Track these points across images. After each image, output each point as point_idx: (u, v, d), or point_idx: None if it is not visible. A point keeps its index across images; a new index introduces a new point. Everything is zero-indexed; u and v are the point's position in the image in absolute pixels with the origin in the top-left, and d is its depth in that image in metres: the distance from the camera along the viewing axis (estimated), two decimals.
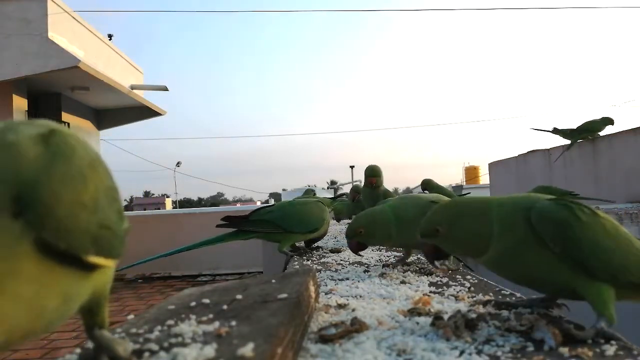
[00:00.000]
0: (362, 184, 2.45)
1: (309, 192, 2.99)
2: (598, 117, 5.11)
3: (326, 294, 1.03)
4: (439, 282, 1.13)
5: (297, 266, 1.50)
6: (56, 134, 0.48)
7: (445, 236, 0.79)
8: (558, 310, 0.79)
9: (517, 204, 0.76)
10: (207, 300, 0.76)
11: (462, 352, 0.62)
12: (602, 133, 5.10)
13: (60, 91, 7.84)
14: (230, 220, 1.77)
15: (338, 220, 3.05)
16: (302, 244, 2.00)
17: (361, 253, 1.74)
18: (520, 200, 0.77)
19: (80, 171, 0.46)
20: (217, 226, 1.78)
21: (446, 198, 1.42)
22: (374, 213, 1.31)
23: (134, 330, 0.64)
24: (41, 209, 0.42)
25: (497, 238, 0.74)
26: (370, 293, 1.02)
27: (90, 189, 0.47)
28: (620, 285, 0.70)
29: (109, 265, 0.51)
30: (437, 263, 0.84)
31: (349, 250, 1.85)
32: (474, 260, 0.80)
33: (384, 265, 1.37)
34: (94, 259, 0.47)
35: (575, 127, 5.18)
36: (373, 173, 2.28)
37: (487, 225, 0.75)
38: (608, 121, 5.01)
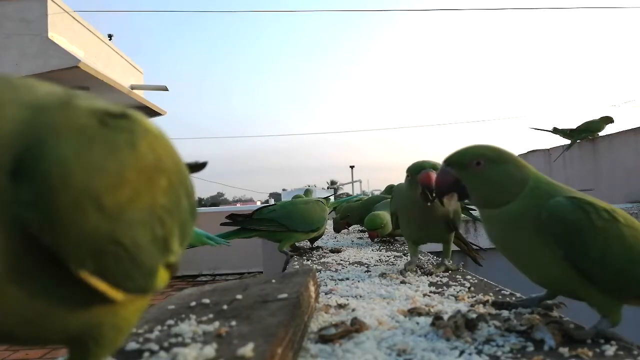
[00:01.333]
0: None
1: (309, 192, 2.97)
2: (597, 117, 5.12)
3: (326, 294, 1.03)
4: (439, 282, 1.13)
5: (297, 266, 1.50)
6: (129, 118, 0.41)
7: (480, 172, 0.74)
8: (558, 310, 0.79)
9: (544, 187, 0.72)
10: (207, 300, 0.76)
11: (462, 352, 0.62)
12: (602, 132, 5.11)
13: None
14: (234, 218, 1.79)
15: (346, 226, 2.57)
16: (302, 244, 2.00)
17: (361, 253, 1.75)
18: (546, 186, 0.73)
19: (120, 167, 0.37)
20: (222, 224, 1.80)
21: None
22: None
23: (133, 330, 0.64)
24: (38, 180, 0.33)
25: (522, 196, 0.71)
26: (370, 293, 1.02)
27: (122, 194, 0.37)
28: (630, 295, 0.67)
29: (113, 295, 0.39)
30: (445, 199, 0.77)
31: (349, 250, 1.86)
32: (485, 213, 0.75)
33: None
34: (89, 278, 0.37)
35: (575, 127, 5.19)
36: (372, 225, 1.91)
37: (522, 181, 0.72)
38: (608, 120, 5.01)
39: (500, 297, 0.95)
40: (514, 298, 0.94)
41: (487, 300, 0.86)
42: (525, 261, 0.72)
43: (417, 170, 1.17)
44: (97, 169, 0.36)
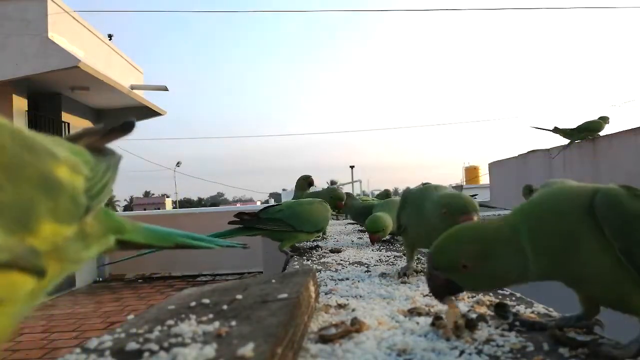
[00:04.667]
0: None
1: (304, 178, 2.92)
2: (596, 117, 5.14)
3: (326, 294, 1.03)
4: None
5: (297, 266, 1.50)
6: None
7: (471, 272, 0.65)
8: (597, 329, 0.72)
9: (567, 197, 0.65)
10: (207, 300, 0.76)
11: (462, 352, 0.62)
12: (602, 132, 5.12)
13: (60, 91, 7.83)
14: (241, 217, 1.80)
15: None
16: (302, 244, 2.00)
17: (361, 253, 1.75)
18: (572, 190, 0.66)
19: None
20: (230, 223, 1.81)
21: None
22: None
23: (134, 330, 0.64)
24: None
25: (532, 261, 0.64)
26: (370, 293, 1.02)
27: None
28: None
29: None
30: (447, 299, 0.70)
31: (349, 250, 1.86)
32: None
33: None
34: None
35: (575, 127, 5.20)
36: (373, 228, 1.68)
37: (520, 254, 0.64)
38: (606, 120, 5.03)
39: (500, 297, 0.95)
40: (514, 302, 0.94)
41: (516, 320, 0.74)
42: (576, 276, 0.64)
43: (458, 211, 1.08)
44: None
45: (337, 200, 2.38)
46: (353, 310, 0.87)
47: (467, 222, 1.00)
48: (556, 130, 5.37)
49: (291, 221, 1.78)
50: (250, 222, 1.80)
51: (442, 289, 0.69)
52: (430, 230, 1.16)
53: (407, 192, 1.32)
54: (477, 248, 0.65)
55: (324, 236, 2.46)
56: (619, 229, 0.59)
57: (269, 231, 1.81)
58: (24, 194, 0.40)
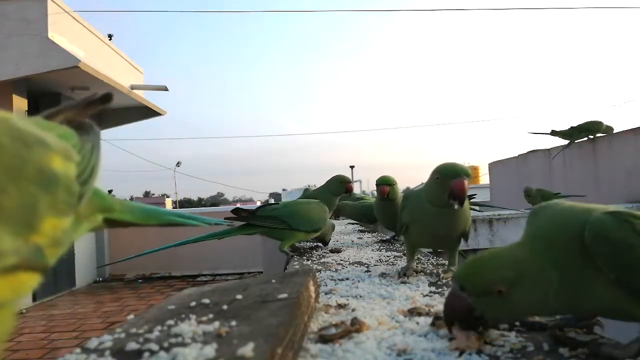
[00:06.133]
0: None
1: (307, 191, 2.98)
2: (599, 118, 5.14)
3: (326, 294, 1.03)
4: (439, 282, 1.13)
5: (297, 266, 1.50)
6: None
7: (503, 299, 0.61)
8: (597, 329, 0.72)
9: (564, 228, 0.64)
10: (207, 300, 0.76)
11: (462, 352, 0.62)
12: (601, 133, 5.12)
13: (60, 91, 7.83)
14: (238, 213, 1.79)
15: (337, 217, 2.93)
16: (302, 244, 2.00)
17: (361, 253, 1.75)
18: (566, 220, 0.65)
19: None
20: (226, 218, 1.80)
21: None
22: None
23: (134, 330, 0.64)
24: None
25: (556, 292, 0.61)
26: (370, 293, 1.02)
27: None
28: None
29: None
30: (455, 330, 0.64)
31: (349, 250, 1.86)
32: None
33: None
34: None
35: (576, 125, 5.20)
36: (385, 181, 1.99)
37: (547, 283, 0.62)
38: (609, 129, 5.04)
39: None
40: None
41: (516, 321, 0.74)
42: (582, 306, 0.64)
43: (450, 175, 1.10)
44: None
45: (345, 183, 2.31)
46: (353, 310, 0.87)
47: (458, 187, 1.08)
48: (554, 133, 5.39)
49: (287, 219, 1.78)
50: (247, 219, 1.79)
51: (462, 315, 0.63)
52: (430, 221, 1.18)
53: (408, 193, 1.33)
54: (514, 273, 0.61)
55: (326, 242, 2.45)
56: (612, 262, 0.59)
57: (267, 229, 1.81)
58: (27, 195, 0.39)
